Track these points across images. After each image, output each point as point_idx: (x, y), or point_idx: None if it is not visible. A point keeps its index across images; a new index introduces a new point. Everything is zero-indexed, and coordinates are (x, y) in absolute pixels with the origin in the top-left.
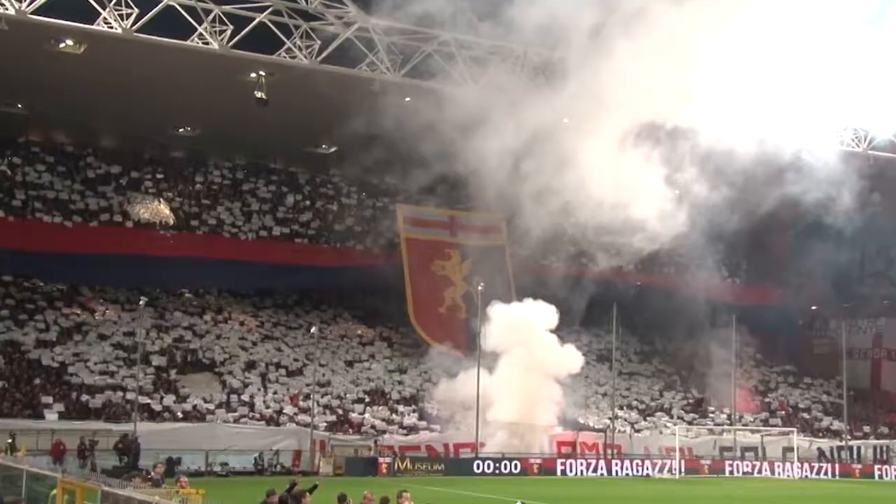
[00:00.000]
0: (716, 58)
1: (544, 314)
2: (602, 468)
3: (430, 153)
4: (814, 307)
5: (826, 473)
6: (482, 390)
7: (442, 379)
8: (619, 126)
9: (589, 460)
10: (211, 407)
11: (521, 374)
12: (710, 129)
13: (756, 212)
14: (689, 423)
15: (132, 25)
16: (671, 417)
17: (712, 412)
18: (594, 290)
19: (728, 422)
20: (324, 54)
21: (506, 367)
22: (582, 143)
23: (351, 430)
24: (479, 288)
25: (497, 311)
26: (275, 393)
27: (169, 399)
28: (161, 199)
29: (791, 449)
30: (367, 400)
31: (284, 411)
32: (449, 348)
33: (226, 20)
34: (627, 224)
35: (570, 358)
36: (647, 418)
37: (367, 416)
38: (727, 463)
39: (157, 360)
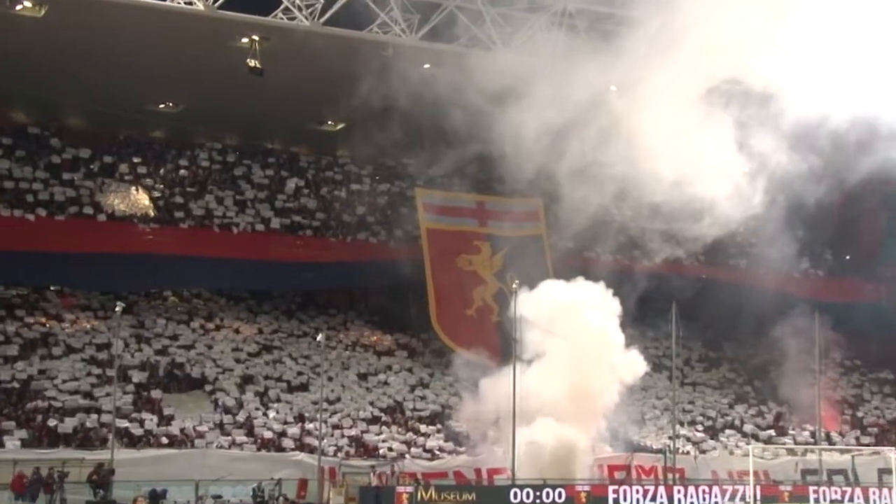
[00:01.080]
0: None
1: (597, 300)
2: (662, 496)
3: (455, 129)
4: None
5: None
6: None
7: (471, 393)
8: (685, 87)
9: (646, 487)
10: (201, 430)
11: (562, 378)
12: (799, 89)
13: (843, 190)
14: (766, 441)
15: None
16: (743, 435)
17: (792, 429)
18: (648, 285)
19: (812, 440)
20: (327, 14)
21: (544, 367)
22: (638, 109)
23: (366, 455)
24: (514, 285)
25: (530, 298)
26: (276, 413)
27: (151, 422)
28: (139, 188)
29: (888, 471)
30: (383, 419)
31: (287, 434)
32: (479, 356)
33: None
34: (690, 206)
35: (631, 363)
36: (715, 437)
37: (383, 437)
38: (811, 489)
39: (137, 377)
